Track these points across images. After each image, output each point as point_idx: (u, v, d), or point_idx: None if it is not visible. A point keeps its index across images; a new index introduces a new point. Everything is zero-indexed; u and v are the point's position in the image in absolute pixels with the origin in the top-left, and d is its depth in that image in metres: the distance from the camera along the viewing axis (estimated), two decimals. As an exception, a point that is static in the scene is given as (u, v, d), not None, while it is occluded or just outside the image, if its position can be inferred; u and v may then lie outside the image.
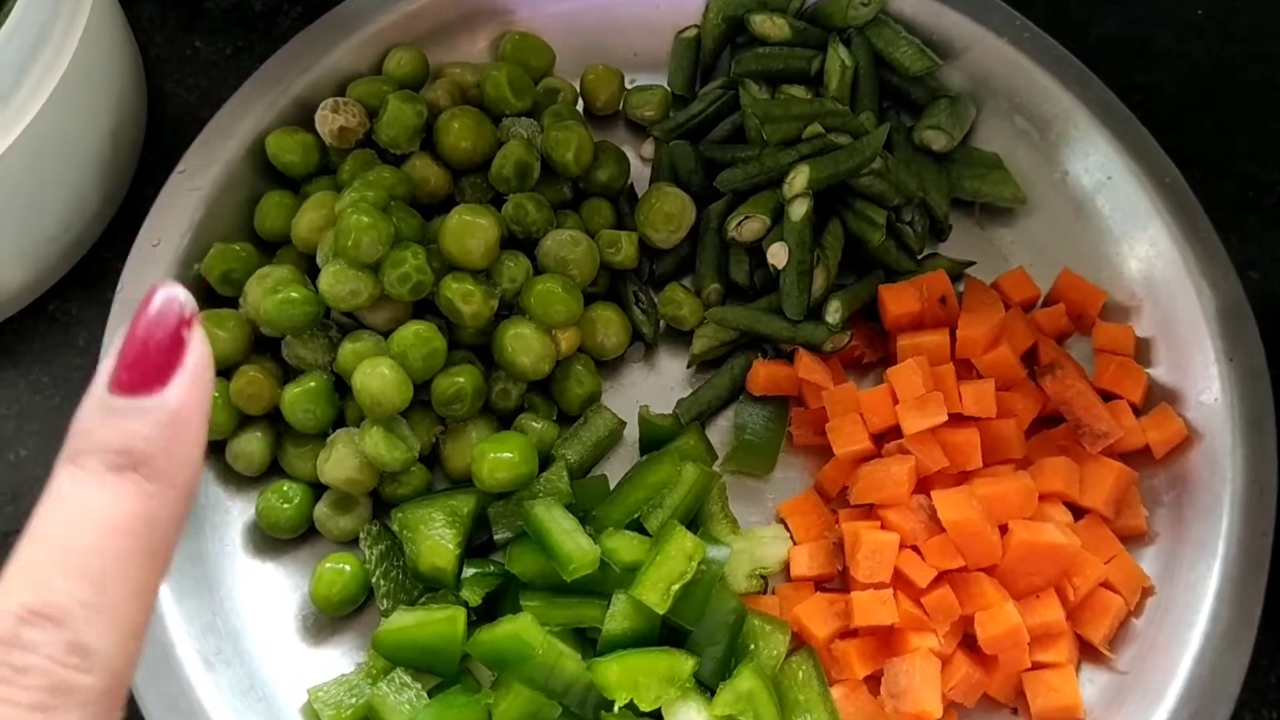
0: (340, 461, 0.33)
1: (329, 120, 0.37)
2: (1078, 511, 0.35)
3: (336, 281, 0.33)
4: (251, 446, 0.35)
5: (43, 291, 0.39)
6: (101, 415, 0.16)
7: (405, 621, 0.32)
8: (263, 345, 0.36)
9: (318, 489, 0.35)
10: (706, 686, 0.32)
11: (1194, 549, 0.34)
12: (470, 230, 0.34)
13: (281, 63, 0.39)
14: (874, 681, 0.33)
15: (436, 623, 0.31)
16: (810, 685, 0.32)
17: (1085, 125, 0.39)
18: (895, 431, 0.35)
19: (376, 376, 0.32)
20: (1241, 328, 0.36)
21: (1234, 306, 0.36)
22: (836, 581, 0.35)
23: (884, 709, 0.32)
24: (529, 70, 0.39)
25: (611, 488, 0.35)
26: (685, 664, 0.31)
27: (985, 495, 0.33)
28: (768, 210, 0.37)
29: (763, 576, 0.35)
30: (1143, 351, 0.37)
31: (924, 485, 0.34)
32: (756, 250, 0.37)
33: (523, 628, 0.31)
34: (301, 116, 0.38)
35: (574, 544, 0.31)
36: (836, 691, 0.32)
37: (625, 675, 0.30)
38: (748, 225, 0.37)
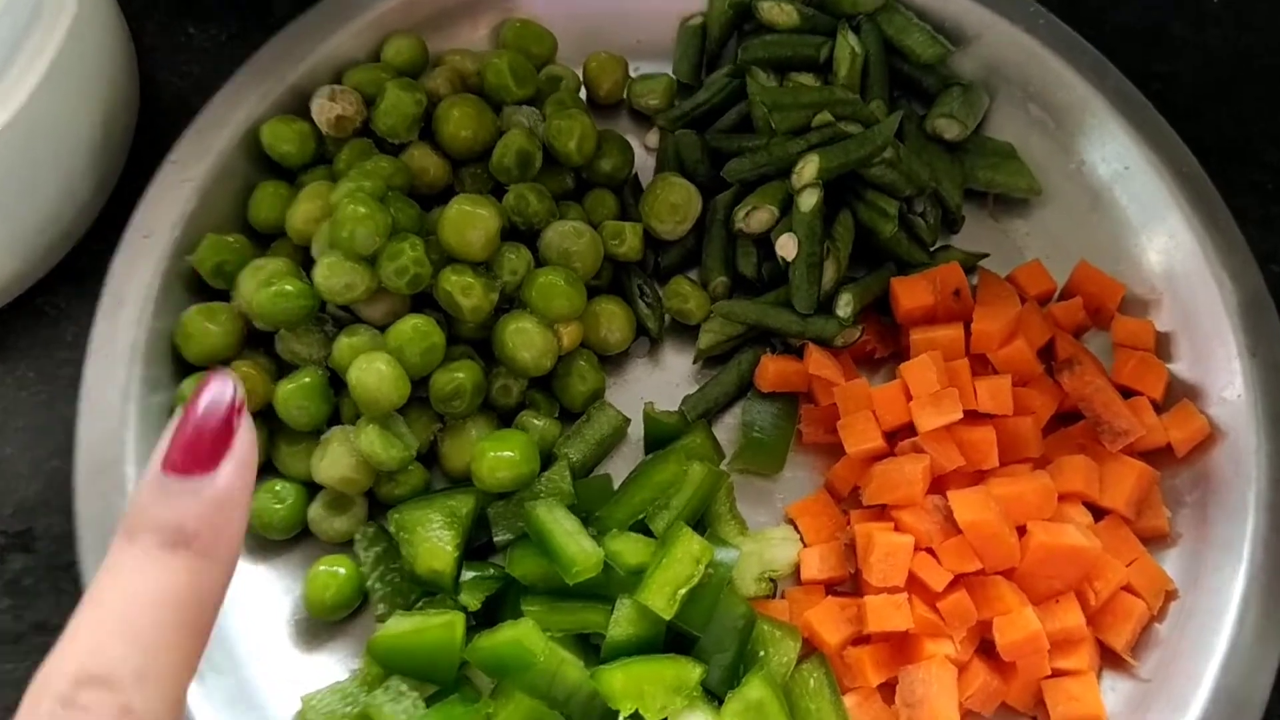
0: (335, 460, 0.33)
1: (325, 109, 0.36)
2: (1098, 512, 0.34)
3: (332, 274, 0.33)
4: (243, 444, 0.34)
5: (30, 285, 0.38)
6: (156, 494, 0.18)
7: (402, 627, 0.31)
8: (256, 340, 0.35)
9: (312, 489, 0.34)
10: (714, 695, 0.31)
11: (1219, 551, 0.33)
12: (470, 221, 0.33)
13: (277, 50, 0.38)
14: (888, 690, 0.32)
15: (434, 628, 0.31)
16: (822, 694, 0.31)
17: (1102, 114, 0.38)
18: (909, 429, 0.34)
19: (373, 372, 0.32)
20: (1264, 321, 0.35)
21: (1256, 299, 0.36)
22: (848, 585, 0.34)
23: (898, 719, 0.31)
24: (530, 58, 0.39)
25: (615, 488, 0.35)
26: (692, 672, 0.30)
27: (1003, 495, 0.33)
28: (776, 201, 0.36)
29: (772, 580, 0.34)
30: (1163, 346, 0.37)
31: (939, 485, 0.34)
32: (765, 242, 0.37)
33: (523, 634, 0.30)
34: (297, 105, 0.38)
35: (577, 546, 0.31)
36: (849, 700, 0.32)
37: (630, 684, 0.29)
38: (756, 216, 0.36)
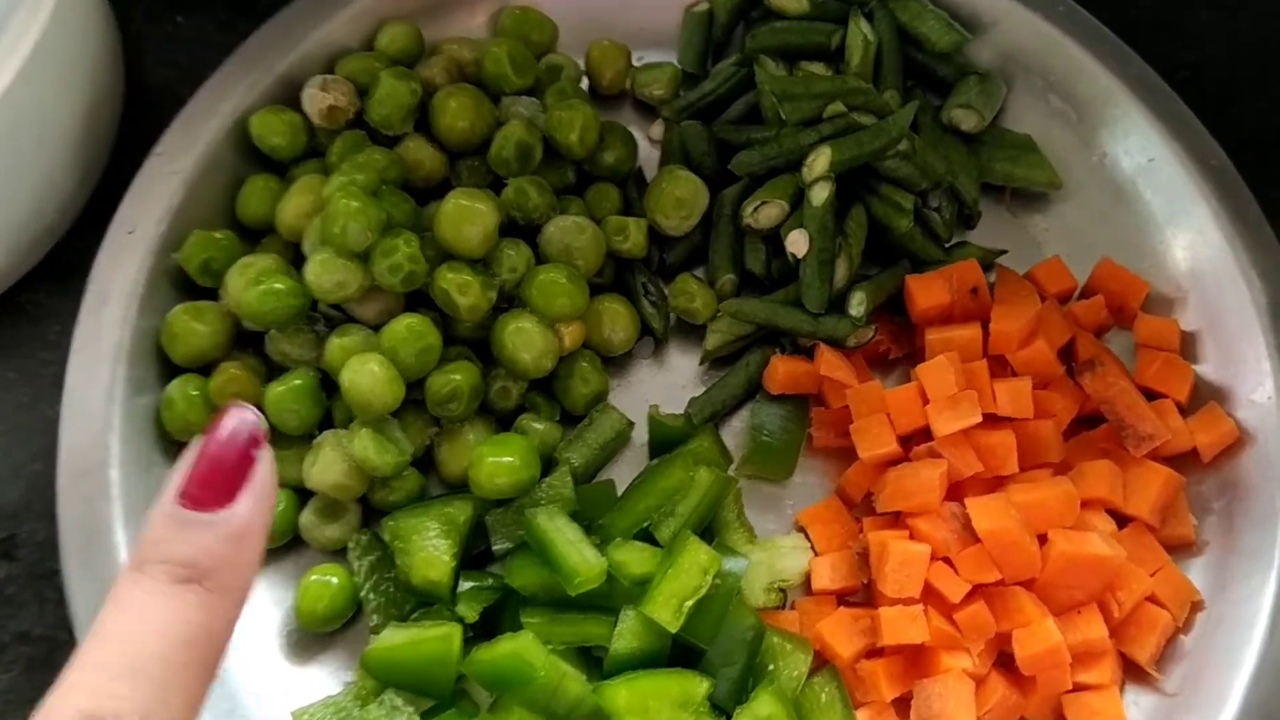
0: (327, 466, 0.32)
1: (317, 99, 0.35)
2: (1121, 520, 0.33)
3: (324, 271, 0.32)
4: (232, 449, 0.33)
5: (12, 282, 0.37)
6: (170, 526, 0.18)
7: (397, 639, 0.30)
8: (244, 340, 0.35)
9: (303, 495, 0.34)
10: (722, 710, 0.31)
11: (1247, 560, 0.33)
12: (467, 216, 0.32)
13: (267, 38, 0.37)
14: (903, 705, 0.31)
15: (430, 641, 0.30)
16: (834, 709, 0.31)
17: (1125, 104, 0.38)
18: (924, 433, 0.33)
19: (366, 374, 0.31)
20: (1294, 321, 0.34)
21: (1286, 298, 0.34)
22: (861, 595, 0.34)
23: (914, 734, 0.30)
24: (530, 46, 0.38)
25: (619, 494, 0.34)
26: (699, 686, 0.30)
27: (1023, 503, 0.32)
28: (786, 195, 0.35)
29: (782, 590, 0.33)
30: (1188, 346, 0.36)
31: (956, 492, 0.33)
32: (774, 238, 0.36)
33: (523, 646, 0.29)
34: (288, 95, 0.37)
35: (579, 556, 0.30)
36: (862, 715, 0.31)
37: (634, 699, 0.29)
38: (765, 211, 0.35)
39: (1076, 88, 0.38)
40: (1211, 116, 0.37)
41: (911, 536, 0.32)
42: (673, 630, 0.29)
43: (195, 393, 0.33)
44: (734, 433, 0.36)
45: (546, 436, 0.34)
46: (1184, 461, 0.34)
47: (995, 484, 0.33)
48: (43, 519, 0.34)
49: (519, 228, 0.35)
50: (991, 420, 0.33)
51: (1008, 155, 0.38)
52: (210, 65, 0.36)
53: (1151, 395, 0.35)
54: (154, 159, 0.35)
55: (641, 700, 0.29)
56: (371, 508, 0.34)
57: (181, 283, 0.35)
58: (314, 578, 0.32)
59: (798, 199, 0.35)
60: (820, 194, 0.34)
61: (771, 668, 0.31)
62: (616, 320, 0.35)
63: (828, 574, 0.33)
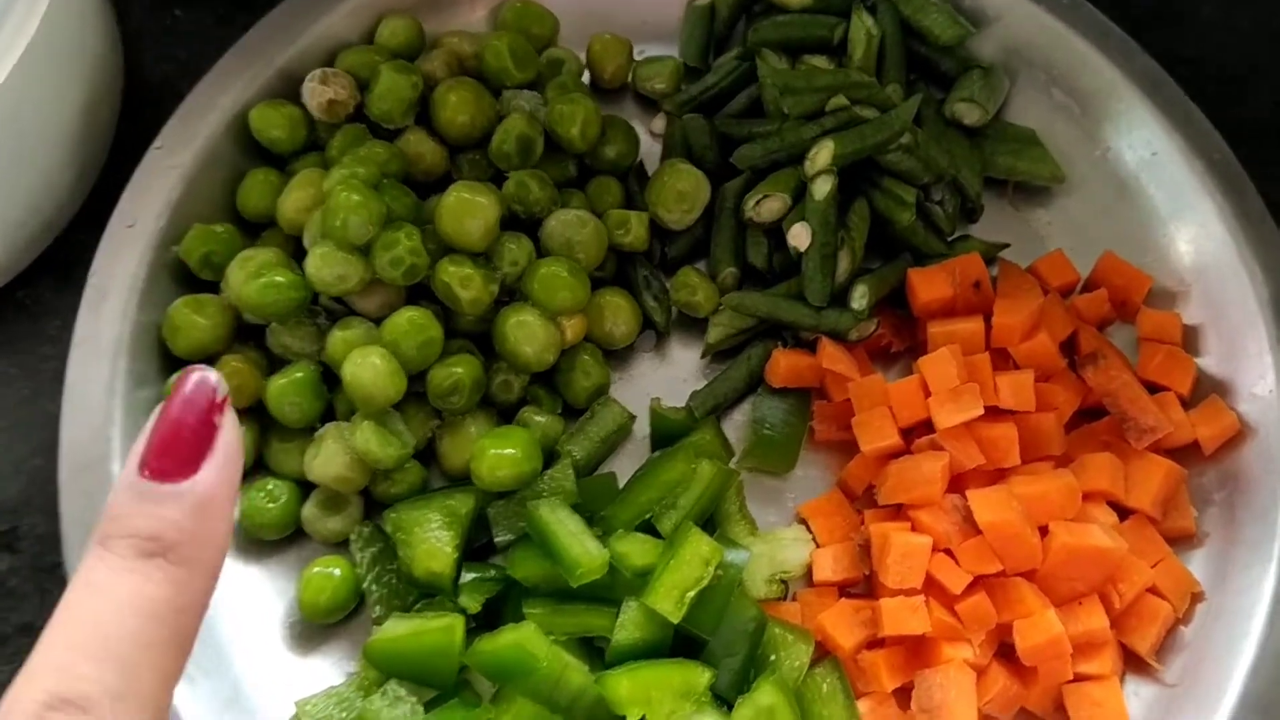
0: (329, 458, 0.32)
1: (317, 93, 0.35)
2: (1122, 512, 0.33)
3: (325, 265, 0.32)
4: (234, 442, 0.33)
5: (11, 278, 0.37)
6: (132, 500, 0.17)
7: (399, 630, 0.30)
8: (246, 333, 0.34)
9: (305, 487, 0.34)
10: (724, 701, 0.31)
11: (1247, 551, 0.33)
12: (468, 210, 0.32)
13: (266, 32, 0.37)
14: (904, 695, 0.31)
15: (433, 632, 0.30)
16: (835, 699, 0.31)
17: (1129, 98, 0.37)
18: (926, 426, 0.33)
19: (368, 367, 0.31)
20: (1296, 314, 0.34)
21: (1288, 292, 0.34)
22: (863, 587, 0.34)
23: (915, 725, 0.30)
24: (531, 39, 0.38)
25: (621, 486, 0.34)
26: (701, 677, 0.29)
27: (1024, 495, 0.32)
28: (788, 189, 0.35)
29: (784, 582, 0.33)
30: (1191, 340, 0.36)
31: (958, 484, 0.33)
32: (776, 231, 0.36)
33: (526, 637, 0.29)
34: (287, 89, 0.37)
35: (581, 547, 0.30)
36: (863, 706, 0.31)
37: (636, 689, 0.29)
38: (767, 205, 0.35)
39: (1080, 81, 0.38)
40: (1215, 110, 0.37)
41: (913, 528, 0.32)
42: (675, 621, 0.29)
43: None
44: (736, 426, 0.36)
45: (548, 429, 0.34)
46: (1185, 454, 0.34)
47: (997, 476, 0.33)
48: (44, 513, 0.34)
49: (520, 221, 0.35)
50: (993, 413, 0.33)
51: (1010, 149, 0.38)
52: (209, 59, 0.36)
53: (1153, 388, 0.34)
54: (153, 153, 0.35)
55: (644, 691, 0.29)
56: (373, 500, 0.33)
57: (182, 276, 0.35)
58: (316, 569, 0.32)
59: (800, 192, 0.35)
60: (822, 188, 0.34)
61: (773, 658, 0.31)
62: (618, 313, 0.35)
63: (829, 565, 0.33)
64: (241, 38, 0.37)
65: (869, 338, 0.35)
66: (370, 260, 0.32)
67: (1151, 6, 0.42)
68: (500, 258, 0.33)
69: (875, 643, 0.32)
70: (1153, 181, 0.37)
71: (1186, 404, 0.34)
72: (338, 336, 0.32)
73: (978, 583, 0.31)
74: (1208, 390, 0.35)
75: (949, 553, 0.32)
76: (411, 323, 0.32)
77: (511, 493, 0.33)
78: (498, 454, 0.32)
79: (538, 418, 0.34)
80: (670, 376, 0.36)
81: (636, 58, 0.40)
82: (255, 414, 0.34)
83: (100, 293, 0.33)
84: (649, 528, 0.32)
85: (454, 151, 0.36)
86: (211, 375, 0.18)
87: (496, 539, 0.32)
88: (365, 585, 0.32)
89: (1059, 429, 0.34)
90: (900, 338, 0.36)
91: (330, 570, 0.32)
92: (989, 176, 0.38)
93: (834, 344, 0.35)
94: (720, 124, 0.38)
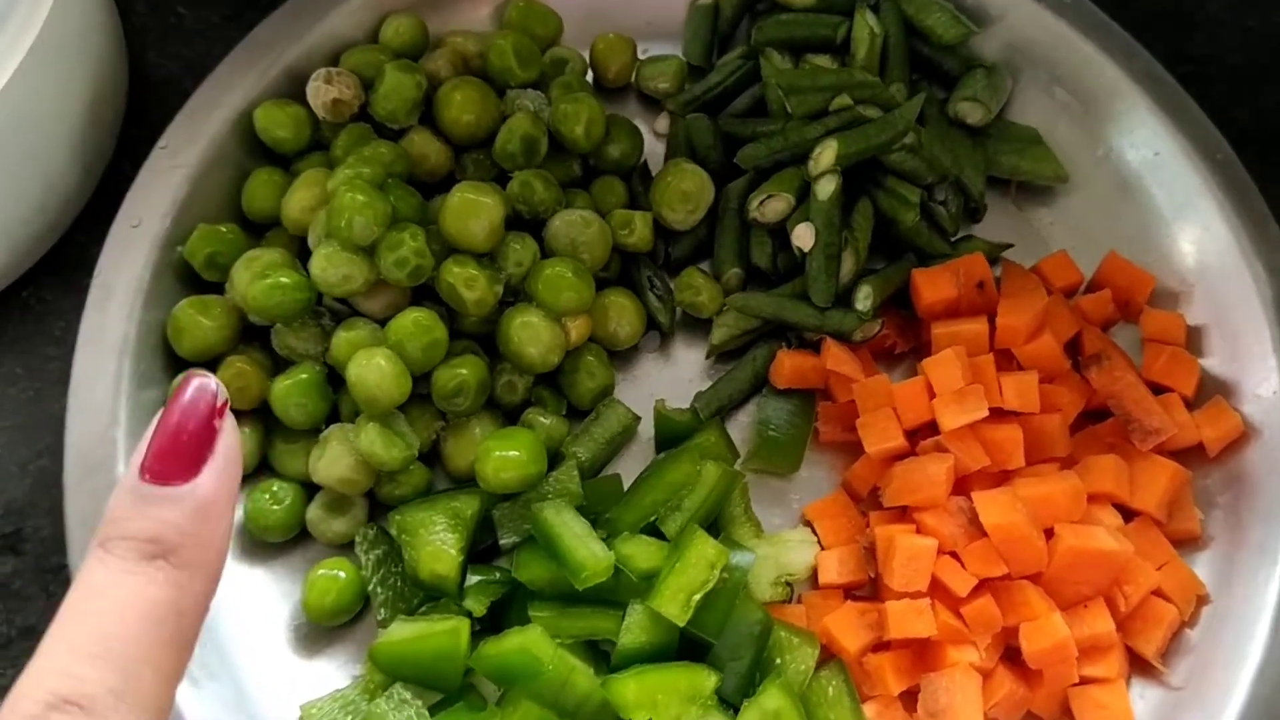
0: (334, 460, 0.32)
1: (322, 92, 0.35)
2: (1127, 514, 0.33)
3: (329, 265, 0.32)
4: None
5: (16, 278, 0.37)
6: (133, 503, 0.17)
7: (404, 633, 0.30)
8: (250, 334, 0.34)
9: (310, 489, 0.33)
10: (730, 704, 0.30)
11: (1253, 554, 0.33)
12: (473, 210, 0.32)
13: (271, 31, 0.37)
14: (910, 698, 0.31)
15: (438, 635, 0.30)
16: (841, 702, 0.31)
17: (1132, 98, 0.37)
18: (931, 428, 0.33)
19: (373, 368, 0.31)
20: (1300, 315, 0.34)
21: (1292, 292, 0.34)
22: (868, 590, 0.33)
23: (921, 727, 0.30)
24: (535, 39, 0.38)
25: (626, 488, 0.34)
26: (707, 680, 0.29)
27: (1029, 497, 0.32)
28: (792, 189, 0.35)
29: (789, 584, 0.33)
30: (1194, 341, 0.36)
31: (963, 486, 0.33)
32: (780, 232, 0.36)
33: (531, 640, 0.29)
34: (292, 88, 0.37)
35: (586, 550, 0.30)
36: (869, 709, 0.31)
37: (642, 692, 0.29)
38: (770, 205, 0.35)
39: (1083, 81, 0.38)
40: (1218, 110, 0.36)
41: (918, 530, 0.32)
42: (680, 624, 0.29)
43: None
44: (740, 427, 0.36)
45: (553, 431, 0.34)
46: (1190, 456, 0.34)
47: (1002, 478, 0.33)
48: (48, 514, 0.34)
49: (524, 221, 0.35)
50: (998, 414, 0.33)
51: (1013, 149, 0.38)
52: (214, 58, 0.36)
53: (1158, 389, 0.34)
54: (158, 153, 0.35)
55: (649, 694, 0.28)
56: (378, 502, 0.33)
57: (187, 277, 0.35)
58: (321, 572, 0.32)
59: (804, 192, 0.35)
60: (826, 187, 0.34)
61: (779, 661, 0.31)
62: (622, 314, 0.35)
63: (834, 568, 0.33)
64: (246, 37, 0.37)
65: (873, 338, 0.35)
66: (375, 261, 0.32)
67: (1154, 6, 0.42)
68: (505, 258, 0.33)
69: (881, 646, 0.32)
70: (1155, 181, 0.37)
71: (1191, 405, 0.34)
72: (342, 337, 0.32)
73: (983, 585, 0.31)
74: (1212, 391, 0.35)
75: (954, 555, 0.32)
76: (416, 324, 0.32)
77: (516, 495, 0.32)
78: (502, 456, 0.31)
79: (542, 419, 0.34)
80: (674, 377, 0.36)
81: (640, 57, 0.40)
82: (260, 415, 0.33)
83: (105, 293, 0.33)
84: (654, 530, 0.32)
85: (458, 151, 0.36)
86: (211, 380, 0.18)
87: (501, 541, 0.32)
88: (370, 588, 0.32)
89: (1064, 431, 0.33)
90: (904, 338, 0.36)
91: (335, 572, 0.32)
92: (992, 176, 0.38)
93: (838, 345, 0.35)
94: (724, 124, 0.38)
